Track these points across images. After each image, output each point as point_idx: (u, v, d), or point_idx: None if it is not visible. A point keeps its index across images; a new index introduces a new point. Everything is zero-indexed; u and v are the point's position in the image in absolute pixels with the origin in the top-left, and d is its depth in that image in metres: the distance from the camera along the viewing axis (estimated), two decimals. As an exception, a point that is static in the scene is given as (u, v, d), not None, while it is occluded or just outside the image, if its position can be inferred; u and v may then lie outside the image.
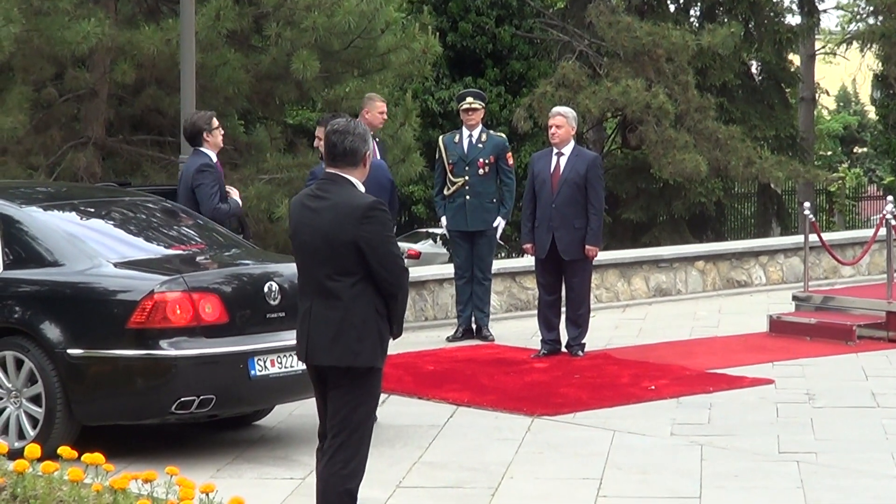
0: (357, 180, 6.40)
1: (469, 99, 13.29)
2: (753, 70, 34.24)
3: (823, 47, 44.59)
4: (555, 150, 12.12)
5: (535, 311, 12.59)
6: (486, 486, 7.96)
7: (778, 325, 13.24)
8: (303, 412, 9.51)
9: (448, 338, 13.12)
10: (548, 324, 12.18)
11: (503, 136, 13.76)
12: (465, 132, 13.23)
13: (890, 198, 13.45)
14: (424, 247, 29.52)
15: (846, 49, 37.83)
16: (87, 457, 6.86)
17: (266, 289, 8.72)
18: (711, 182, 30.25)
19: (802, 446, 8.85)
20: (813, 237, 14.19)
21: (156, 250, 9.08)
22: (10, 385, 8.53)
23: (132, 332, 8.28)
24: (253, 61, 16.60)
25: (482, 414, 9.95)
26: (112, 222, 9.32)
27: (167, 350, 8.27)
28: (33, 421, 8.45)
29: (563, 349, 12.17)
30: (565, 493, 7.87)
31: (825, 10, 46.75)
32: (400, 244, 14.17)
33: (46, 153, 16.59)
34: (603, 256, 14.47)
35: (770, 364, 11.68)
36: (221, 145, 10.83)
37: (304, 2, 16.19)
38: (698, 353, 12.29)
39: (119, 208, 9.56)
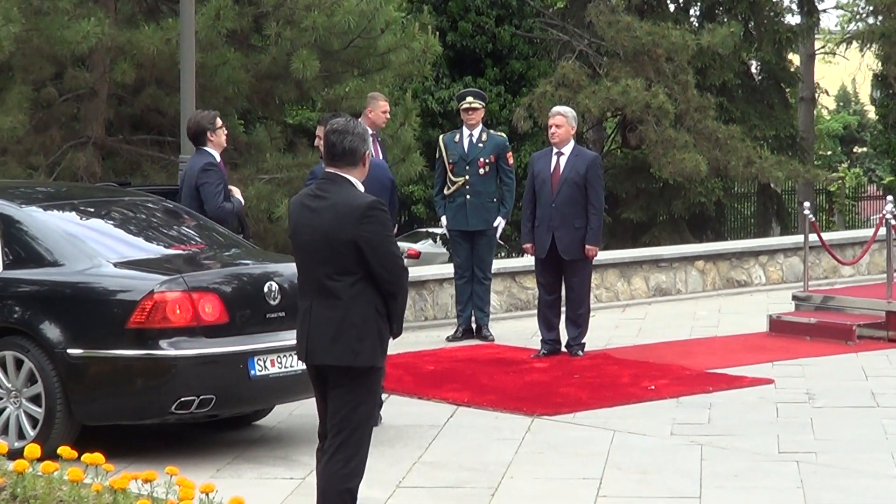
0: (356, 180, 6.40)
1: (469, 98, 13.29)
2: (753, 70, 34.24)
3: (823, 47, 44.61)
4: (555, 150, 12.12)
5: (535, 311, 12.58)
6: (486, 486, 7.96)
7: (778, 325, 13.24)
8: (303, 412, 9.51)
9: (448, 338, 13.12)
10: (548, 323, 12.17)
11: (503, 135, 13.77)
12: (466, 132, 13.23)
13: (890, 197, 13.45)
14: (424, 246, 29.52)
15: (846, 49, 37.84)
16: (86, 457, 6.86)
17: (266, 289, 8.71)
18: (711, 182, 30.26)
19: (802, 446, 8.85)
20: (813, 237, 14.19)
21: (156, 250, 9.08)
22: (9, 385, 8.53)
23: (132, 332, 8.27)
24: (253, 61, 16.60)
25: (482, 414, 9.95)
26: (112, 222, 9.32)
27: (167, 350, 8.27)
28: (33, 421, 8.45)
29: (563, 349, 12.17)
30: (565, 493, 7.87)
31: (825, 10, 46.75)
32: (400, 244, 14.18)
33: (46, 153, 16.59)
34: (603, 256, 14.47)
35: (770, 364, 11.68)
36: (225, 145, 10.84)
37: (304, 1, 16.19)
38: (698, 353, 12.29)
39: (119, 208, 9.56)
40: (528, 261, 13.93)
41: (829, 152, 53.92)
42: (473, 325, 13.19)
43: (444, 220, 13.31)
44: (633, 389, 10.64)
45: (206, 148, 10.55)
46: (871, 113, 51.01)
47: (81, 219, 9.22)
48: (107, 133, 17.32)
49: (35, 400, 8.45)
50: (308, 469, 7.85)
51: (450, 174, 13.19)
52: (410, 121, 17.69)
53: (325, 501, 6.35)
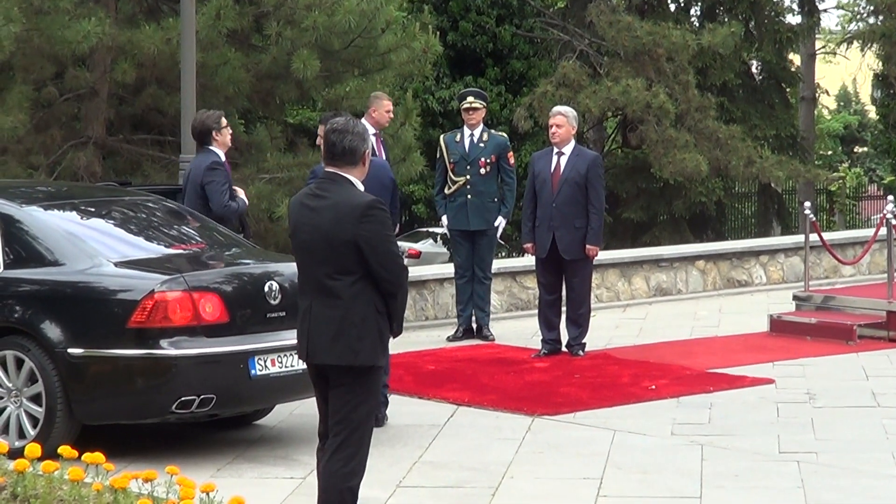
0: (356, 179, 6.41)
1: (470, 98, 13.29)
2: (754, 70, 34.24)
3: (824, 47, 44.62)
4: (555, 150, 12.12)
5: (536, 311, 12.59)
6: (486, 486, 7.96)
7: (778, 325, 13.24)
8: (303, 412, 9.51)
9: (448, 337, 13.12)
10: (548, 323, 12.17)
11: (504, 135, 13.77)
12: (467, 131, 13.23)
13: (890, 197, 13.44)
14: (425, 246, 29.52)
15: (846, 48, 37.84)
16: (87, 456, 6.86)
17: (266, 288, 8.71)
18: (712, 182, 30.25)
19: (803, 446, 8.85)
20: (813, 237, 14.19)
21: (156, 250, 9.08)
22: (10, 384, 8.53)
23: (132, 332, 8.27)
24: (253, 60, 16.60)
25: (482, 414, 9.95)
26: (112, 222, 9.32)
27: (167, 349, 8.27)
28: (34, 420, 8.45)
29: (564, 349, 12.16)
30: (565, 492, 7.87)
31: (825, 10, 46.76)
32: (400, 244, 14.18)
33: (47, 152, 16.59)
34: (603, 256, 14.47)
35: (770, 364, 11.68)
36: (230, 144, 10.86)
37: (305, 1, 16.19)
38: (698, 353, 12.29)
39: (119, 208, 9.56)
40: (528, 260, 13.93)
41: (829, 152, 53.92)
42: (474, 325, 13.19)
43: (444, 219, 13.31)
44: (634, 389, 10.64)
45: (210, 147, 10.57)
46: (872, 113, 51.00)
47: (82, 218, 9.23)
48: (107, 133, 17.32)
49: (35, 399, 8.45)
50: (308, 469, 7.85)
51: (451, 174, 13.19)
52: (411, 120, 17.69)
53: (325, 500, 6.35)
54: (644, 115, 26.43)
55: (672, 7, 32.77)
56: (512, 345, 12.76)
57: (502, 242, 23.58)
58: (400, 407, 9.91)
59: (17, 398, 8.52)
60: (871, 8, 33.59)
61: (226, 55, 16.07)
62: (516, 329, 13.65)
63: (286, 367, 8.66)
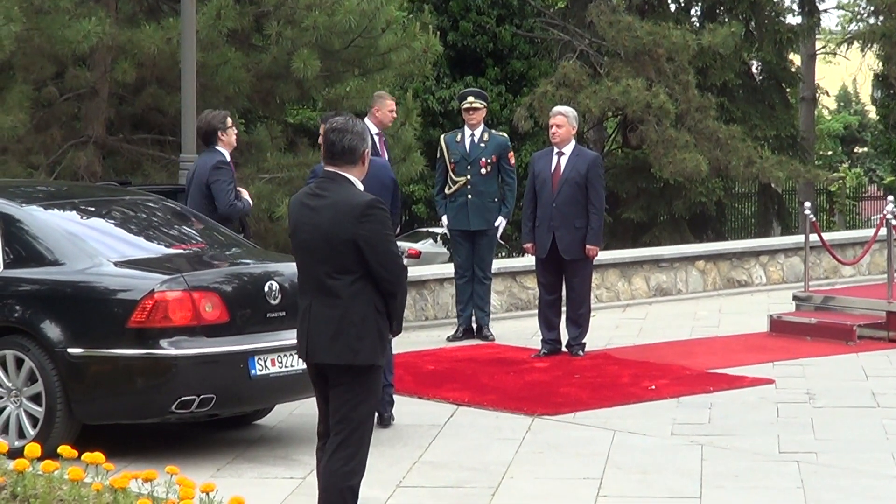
0: (356, 178, 6.41)
1: (470, 98, 13.29)
2: (754, 70, 34.24)
3: (824, 47, 44.62)
4: (555, 150, 12.12)
5: (536, 311, 12.59)
6: (486, 486, 7.96)
7: (778, 325, 13.24)
8: (303, 412, 9.51)
9: (448, 337, 13.12)
10: (548, 323, 12.17)
11: (505, 135, 13.77)
12: (468, 131, 13.23)
13: (890, 198, 13.44)
14: (425, 246, 29.51)
15: (847, 49, 37.84)
16: (87, 456, 6.86)
17: (266, 288, 8.71)
18: (712, 182, 30.25)
19: (802, 446, 8.85)
20: (813, 237, 14.19)
21: (156, 249, 9.08)
22: (10, 384, 8.53)
23: (132, 332, 8.27)
24: (253, 60, 16.60)
25: (482, 413, 9.95)
26: (112, 221, 9.32)
27: (167, 349, 8.27)
28: (33, 420, 8.45)
29: (564, 349, 12.17)
30: (565, 492, 7.87)
31: (825, 10, 46.78)
32: (400, 244, 14.17)
33: (47, 152, 16.58)
34: (603, 256, 14.47)
35: (770, 364, 11.68)
36: (235, 144, 10.88)
37: (305, 1, 16.19)
38: (698, 353, 12.29)
39: (119, 207, 9.56)
40: (528, 260, 13.93)
41: (829, 152, 53.93)
42: (474, 325, 13.19)
43: (444, 219, 13.31)
44: (634, 389, 10.64)
45: (216, 147, 10.60)
46: (872, 113, 51.01)
47: (82, 218, 9.22)
48: (107, 132, 17.31)
49: (35, 399, 8.45)
50: (308, 469, 7.85)
51: (451, 174, 13.19)
52: (411, 120, 17.69)
53: (326, 500, 6.35)
54: (644, 116, 26.44)
55: (672, 7, 32.78)
56: (512, 345, 12.76)
57: (502, 242, 23.57)
58: (400, 407, 9.90)
59: (16, 398, 8.52)
60: (871, 8, 33.59)
61: (226, 55, 16.07)
62: (516, 329, 13.65)
63: (286, 367, 8.66)
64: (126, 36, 16.00)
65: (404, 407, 10.02)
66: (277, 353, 8.63)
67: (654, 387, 10.68)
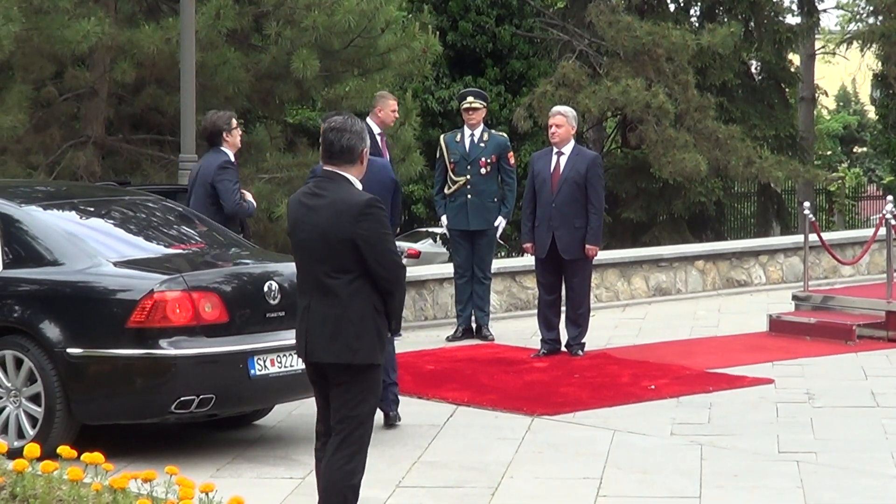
0: (354, 178, 6.41)
1: (470, 98, 13.29)
2: (753, 70, 34.26)
3: (823, 47, 44.61)
4: (555, 150, 12.12)
5: (535, 311, 12.58)
6: (485, 486, 7.96)
7: (778, 325, 13.24)
8: (303, 412, 9.51)
9: (448, 337, 13.12)
10: (548, 323, 12.17)
11: (505, 135, 13.78)
12: (467, 131, 13.23)
13: (889, 197, 13.45)
14: (424, 246, 29.51)
15: (846, 49, 37.83)
16: (86, 456, 6.86)
17: (266, 288, 8.71)
18: (711, 181, 30.27)
19: (802, 446, 8.85)
20: (813, 237, 14.19)
21: (156, 249, 9.08)
22: (9, 384, 8.53)
23: (132, 332, 8.27)
24: (253, 60, 16.60)
25: (482, 413, 9.95)
26: (112, 221, 9.31)
27: (167, 349, 8.26)
28: (33, 420, 8.45)
29: (563, 349, 12.16)
30: (565, 492, 7.86)
31: (825, 10, 46.78)
32: (400, 243, 14.13)
33: (46, 152, 16.59)
34: (603, 256, 14.47)
35: (770, 364, 11.68)
36: (239, 145, 10.90)
37: (304, 1, 16.19)
38: (698, 353, 12.29)
39: (119, 207, 9.55)
40: (528, 260, 13.93)
41: (829, 152, 53.96)
42: (473, 325, 13.19)
43: (444, 219, 13.31)
44: (633, 389, 10.64)
45: (221, 148, 10.61)
46: (871, 113, 51.06)
47: (81, 218, 9.22)
48: (107, 132, 17.32)
49: (35, 399, 8.44)
50: (308, 469, 7.84)
51: (451, 174, 13.18)
52: (411, 120, 17.70)
53: (328, 499, 6.35)
54: (643, 115, 26.45)
55: (672, 7, 32.80)
56: (511, 345, 12.76)
57: (502, 242, 23.58)
58: (400, 407, 9.89)
59: (16, 398, 8.51)
60: (871, 8, 33.61)
61: (225, 55, 16.07)
62: (516, 329, 13.64)
63: (285, 367, 8.65)
64: (125, 36, 16.01)
65: (404, 407, 10.00)
66: (277, 354, 8.62)
67: (653, 386, 10.68)
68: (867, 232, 18.56)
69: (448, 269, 14.39)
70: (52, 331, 8.39)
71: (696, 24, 31.56)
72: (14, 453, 7.44)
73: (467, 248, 13.15)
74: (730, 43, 27.65)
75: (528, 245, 12.28)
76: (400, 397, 9.77)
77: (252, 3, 16.88)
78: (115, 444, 8.24)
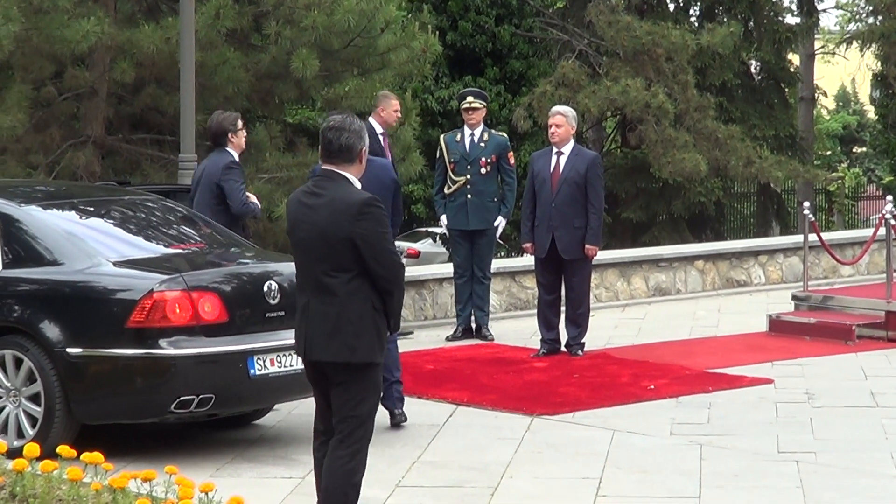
0: (353, 177, 6.42)
1: (470, 98, 13.29)
2: (753, 70, 34.26)
3: (823, 47, 44.60)
4: (554, 150, 12.12)
5: (535, 311, 12.58)
6: (485, 486, 7.96)
7: (777, 325, 13.24)
8: (302, 411, 9.51)
9: (447, 337, 13.12)
10: (547, 323, 12.17)
11: (504, 135, 13.78)
12: (467, 131, 13.23)
13: (889, 197, 13.45)
14: (424, 246, 29.50)
15: (845, 49, 37.83)
16: (86, 456, 6.86)
17: (265, 288, 8.71)
18: (711, 181, 30.27)
19: (802, 446, 8.85)
20: (812, 237, 14.19)
21: (155, 249, 9.08)
22: (9, 384, 8.53)
23: (131, 332, 8.27)
24: (252, 60, 16.60)
25: (482, 413, 9.95)
26: (111, 221, 9.31)
27: (166, 349, 8.26)
28: (32, 420, 8.45)
29: (563, 349, 12.16)
30: (565, 492, 7.86)
31: (824, 10, 46.77)
32: (399, 243, 14.14)
33: (46, 152, 16.59)
34: (603, 256, 14.47)
35: (769, 364, 11.68)
36: (244, 146, 10.92)
37: (304, 1, 16.19)
38: (698, 353, 12.29)
39: (118, 207, 9.55)
40: (527, 260, 13.93)
41: (828, 152, 53.95)
42: (473, 325, 13.19)
43: (443, 219, 13.31)
44: (633, 389, 10.64)
45: (226, 148, 10.63)
46: (871, 113, 51.04)
47: (81, 218, 9.22)
48: (106, 132, 17.32)
49: (34, 399, 8.44)
50: (308, 468, 7.84)
51: (451, 174, 13.18)
52: (410, 120, 17.70)
53: (329, 497, 6.35)
54: (643, 115, 26.45)
55: (671, 7, 32.80)
56: (511, 344, 12.76)
57: (501, 242, 23.57)
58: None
59: (15, 398, 8.51)
60: (870, 8, 33.61)
61: (225, 55, 16.07)
62: (515, 329, 13.64)
63: (285, 366, 8.65)
64: (125, 36, 16.01)
65: (404, 407, 10.01)
66: (277, 353, 8.62)
67: (653, 386, 10.68)
68: (867, 232, 18.56)
69: (448, 269, 14.39)
70: (51, 330, 8.39)
71: (696, 24, 31.56)
72: (14, 453, 7.44)
73: (467, 247, 13.15)
74: (729, 43, 27.65)
75: (528, 245, 12.28)
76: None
77: (252, 2, 16.89)
78: (115, 444, 8.23)
